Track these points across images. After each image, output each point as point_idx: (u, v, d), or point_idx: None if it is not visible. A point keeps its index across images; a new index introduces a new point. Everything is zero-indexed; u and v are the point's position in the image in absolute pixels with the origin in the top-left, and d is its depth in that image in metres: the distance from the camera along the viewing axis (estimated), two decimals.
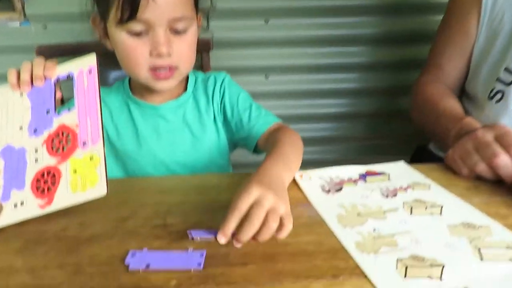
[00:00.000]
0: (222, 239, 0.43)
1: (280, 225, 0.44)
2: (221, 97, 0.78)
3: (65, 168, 0.51)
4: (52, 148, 0.51)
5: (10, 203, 0.51)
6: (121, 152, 0.76)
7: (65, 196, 0.51)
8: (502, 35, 0.80)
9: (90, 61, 0.55)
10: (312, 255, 0.45)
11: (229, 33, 1.25)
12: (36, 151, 0.51)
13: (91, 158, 0.51)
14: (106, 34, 0.70)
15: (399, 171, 0.66)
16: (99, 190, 0.51)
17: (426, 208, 0.54)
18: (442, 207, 0.54)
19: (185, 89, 0.79)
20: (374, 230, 0.49)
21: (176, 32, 0.68)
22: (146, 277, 0.42)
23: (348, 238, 0.48)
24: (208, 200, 0.57)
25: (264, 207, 0.44)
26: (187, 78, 0.80)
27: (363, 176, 0.64)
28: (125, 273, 0.42)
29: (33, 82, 0.55)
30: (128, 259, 0.44)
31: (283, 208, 0.45)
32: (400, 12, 1.26)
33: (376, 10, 1.25)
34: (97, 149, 0.52)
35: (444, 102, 0.83)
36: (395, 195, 0.58)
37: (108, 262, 0.44)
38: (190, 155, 0.76)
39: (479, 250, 0.45)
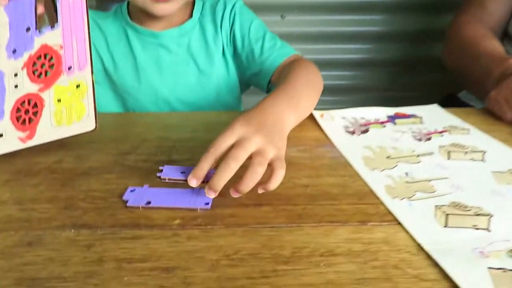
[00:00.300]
0: (193, 181, 0.37)
1: (270, 175, 0.37)
2: (230, 24, 0.69)
3: (48, 97, 0.45)
4: (33, 72, 0.45)
5: None
6: (119, 87, 0.69)
7: (48, 130, 0.45)
8: None
9: None
10: (335, 199, 0.39)
11: None
12: (16, 75, 0.44)
13: (77, 86, 0.45)
14: None
15: (432, 114, 0.58)
16: (86, 124, 0.46)
17: (466, 153, 0.47)
18: (484, 152, 0.47)
19: (191, 15, 0.70)
20: (407, 174, 0.43)
21: None
22: (146, 215, 0.37)
23: (376, 181, 0.42)
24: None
25: (246, 148, 0.37)
26: (193, 3, 0.71)
27: (392, 118, 0.57)
28: (122, 209, 0.37)
29: None
30: (127, 195, 0.38)
31: (273, 152, 0.38)
32: None
33: None
34: (85, 76, 0.45)
35: (485, 43, 0.73)
36: (429, 139, 0.51)
37: (104, 197, 0.39)
38: (195, 92, 0.69)
39: None
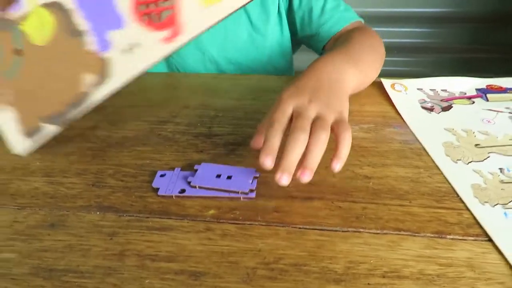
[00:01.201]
0: (268, 160, 0.29)
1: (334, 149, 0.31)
2: None
3: None
4: None
5: (117, 52, 0.33)
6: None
7: (195, 16, 0.33)
8: None
9: None
10: (405, 198, 0.32)
11: None
12: None
13: None
14: None
15: None
16: None
17: None
18: None
19: None
20: (502, 170, 0.34)
21: None
22: (177, 202, 0.32)
23: (461, 177, 0.33)
24: (264, 107, 0.44)
25: (307, 117, 0.31)
26: None
27: (483, 92, 0.46)
28: (152, 191, 0.33)
29: None
30: (157, 181, 0.33)
31: (333, 116, 0.32)
32: None
33: None
34: None
35: None
36: None
37: (134, 174, 0.35)
38: (246, 52, 0.61)
39: None
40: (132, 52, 0.33)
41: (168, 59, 0.61)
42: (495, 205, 0.30)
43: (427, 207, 0.31)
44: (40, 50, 0.33)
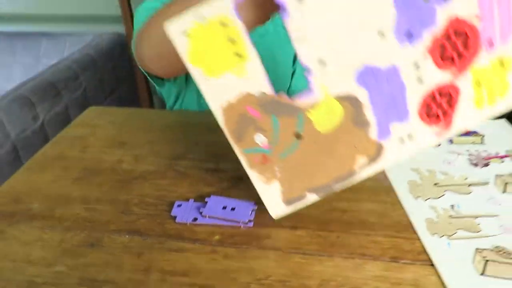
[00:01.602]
0: None
1: None
2: None
3: (466, 82, 0.36)
4: (441, 57, 0.34)
5: (393, 139, 0.37)
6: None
7: (468, 115, 0.37)
8: None
9: None
10: (372, 228, 0.40)
11: None
12: (417, 66, 0.34)
13: (501, 63, 0.36)
14: None
15: (497, 133, 0.54)
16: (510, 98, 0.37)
17: None
18: None
19: None
20: (453, 207, 0.42)
21: None
22: (191, 228, 0.40)
23: (418, 212, 0.41)
24: None
25: None
26: None
27: None
28: (170, 218, 0.41)
29: None
30: (175, 210, 0.42)
31: None
32: None
33: None
34: (509, 48, 0.35)
35: None
36: (486, 164, 0.48)
37: (155, 203, 0.44)
38: None
39: None
40: (405, 142, 0.37)
41: (200, 100, 0.69)
42: (442, 236, 0.38)
43: (388, 237, 0.38)
44: (321, 135, 0.35)
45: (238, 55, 0.31)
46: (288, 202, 0.38)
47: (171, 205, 0.43)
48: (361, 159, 0.37)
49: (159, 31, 0.38)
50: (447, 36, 0.33)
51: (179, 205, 0.42)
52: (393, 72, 0.34)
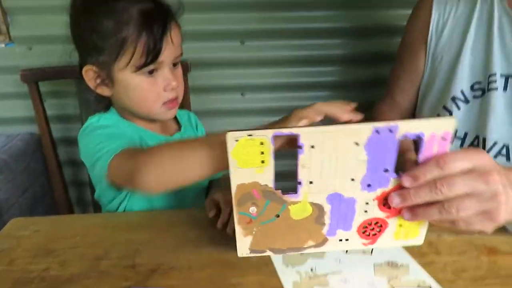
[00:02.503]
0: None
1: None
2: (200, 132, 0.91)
3: (393, 222, 0.54)
4: (383, 204, 0.52)
5: (335, 238, 0.55)
6: None
7: (386, 241, 0.56)
8: (440, 76, 0.89)
9: (447, 125, 0.47)
10: None
11: (206, 54, 1.31)
12: (367, 204, 0.52)
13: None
14: (106, 81, 0.75)
15: None
16: (417, 240, 0.56)
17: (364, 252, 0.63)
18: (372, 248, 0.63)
19: (178, 123, 0.92)
20: (312, 269, 0.58)
21: (173, 65, 0.78)
22: None
23: (287, 278, 0.57)
24: (176, 237, 0.65)
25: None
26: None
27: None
28: None
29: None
30: None
31: None
32: (367, 35, 1.33)
33: (345, 33, 1.32)
34: None
35: None
36: None
37: None
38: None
39: None
40: (342, 242, 0.55)
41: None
42: None
43: None
44: (292, 220, 0.53)
45: (263, 161, 0.48)
46: (252, 251, 0.56)
47: None
48: (310, 243, 0.55)
49: (170, 160, 0.57)
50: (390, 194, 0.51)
51: None
52: (351, 202, 0.52)
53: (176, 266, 0.58)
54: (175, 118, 0.91)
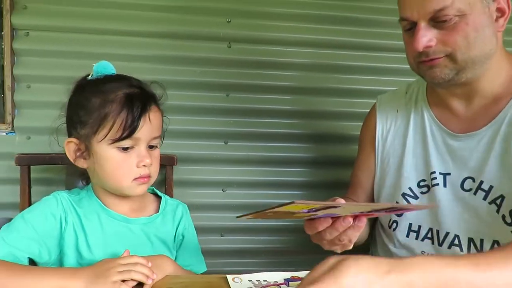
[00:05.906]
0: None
1: None
2: (183, 227, 0.94)
3: None
4: None
5: None
6: (86, 262, 0.81)
7: None
8: (390, 175, 1.01)
9: None
10: None
11: (193, 150, 1.44)
12: None
13: None
14: (84, 153, 0.82)
15: None
16: None
17: None
18: None
19: (157, 209, 0.93)
20: None
21: (150, 147, 0.84)
22: None
23: None
24: None
25: None
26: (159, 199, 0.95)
27: (287, 281, 0.75)
28: None
29: None
30: None
31: None
32: (328, 141, 1.51)
33: (309, 139, 1.50)
34: None
35: None
36: None
37: None
38: None
39: None
40: None
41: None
42: None
43: None
44: None
45: None
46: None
47: None
48: None
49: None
50: None
51: None
52: None
53: None
54: (158, 202, 0.94)
